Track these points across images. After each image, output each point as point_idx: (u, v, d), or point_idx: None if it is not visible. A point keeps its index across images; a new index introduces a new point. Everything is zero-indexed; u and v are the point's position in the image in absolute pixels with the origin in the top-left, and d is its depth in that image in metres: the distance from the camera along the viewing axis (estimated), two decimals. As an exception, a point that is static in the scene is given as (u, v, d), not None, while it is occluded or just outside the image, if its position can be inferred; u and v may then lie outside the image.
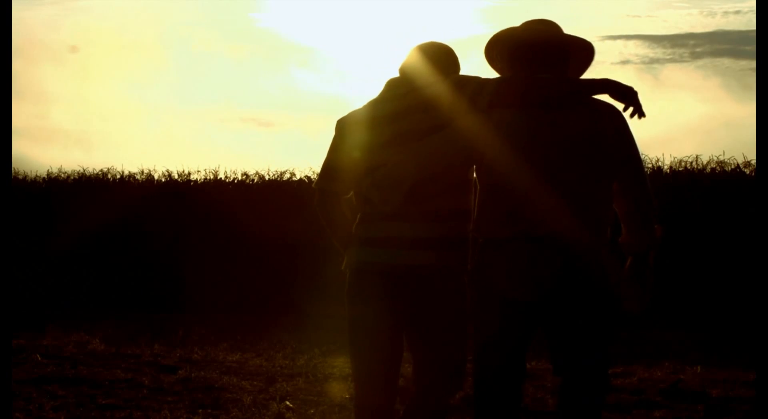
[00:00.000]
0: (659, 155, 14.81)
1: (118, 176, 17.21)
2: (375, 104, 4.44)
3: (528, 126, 4.21)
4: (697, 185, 14.27)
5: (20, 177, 17.34)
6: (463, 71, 4.50)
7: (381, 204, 4.34)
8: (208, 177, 16.79)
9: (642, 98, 4.33)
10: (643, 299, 4.27)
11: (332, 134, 4.51)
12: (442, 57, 4.46)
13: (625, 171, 4.26)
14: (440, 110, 4.31)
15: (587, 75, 4.49)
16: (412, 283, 4.34)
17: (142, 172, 17.12)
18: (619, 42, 37.01)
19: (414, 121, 4.32)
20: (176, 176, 16.91)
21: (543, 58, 4.35)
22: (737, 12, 37.54)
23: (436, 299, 4.36)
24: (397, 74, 4.52)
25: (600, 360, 4.25)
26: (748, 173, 14.25)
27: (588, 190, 4.20)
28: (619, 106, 4.30)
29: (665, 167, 14.64)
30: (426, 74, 4.40)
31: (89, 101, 32.48)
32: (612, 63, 36.77)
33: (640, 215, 4.26)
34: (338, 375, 8.23)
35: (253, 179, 16.59)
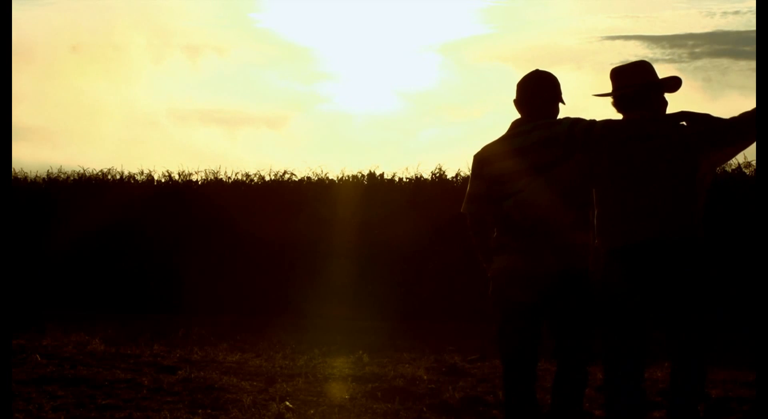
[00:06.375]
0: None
1: (118, 177, 17.19)
2: (505, 140, 5.49)
3: (629, 155, 5.35)
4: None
5: (20, 177, 17.32)
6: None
7: (521, 221, 5.34)
8: (208, 178, 16.77)
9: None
10: None
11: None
12: (547, 89, 5.51)
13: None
14: (559, 146, 5.37)
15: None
16: (541, 282, 5.36)
17: (142, 172, 17.09)
18: (618, 42, 37.02)
19: (541, 155, 5.37)
20: (176, 177, 16.90)
21: (640, 102, 5.45)
22: (736, 12, 37.54)
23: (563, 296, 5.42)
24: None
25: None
26: (748, 173, 14.25)
27: (676, 198, 5.41)
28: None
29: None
30: (543, 113, 5.48)
31: (89, 102, 32.50)
32: (611, 63, 36.81)
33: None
34: (338, 376, 8.22)
35: (252, 180, 16.57)
